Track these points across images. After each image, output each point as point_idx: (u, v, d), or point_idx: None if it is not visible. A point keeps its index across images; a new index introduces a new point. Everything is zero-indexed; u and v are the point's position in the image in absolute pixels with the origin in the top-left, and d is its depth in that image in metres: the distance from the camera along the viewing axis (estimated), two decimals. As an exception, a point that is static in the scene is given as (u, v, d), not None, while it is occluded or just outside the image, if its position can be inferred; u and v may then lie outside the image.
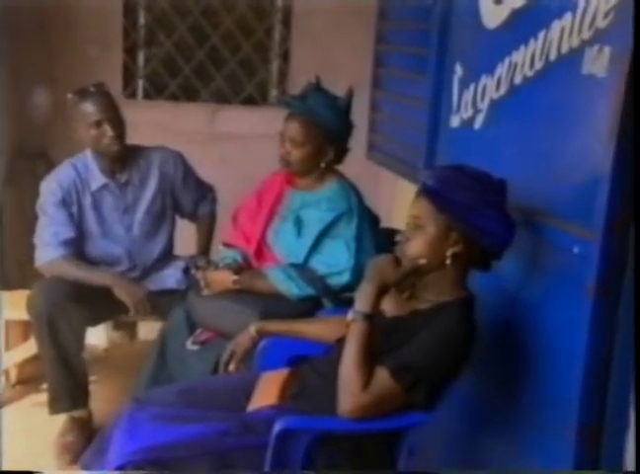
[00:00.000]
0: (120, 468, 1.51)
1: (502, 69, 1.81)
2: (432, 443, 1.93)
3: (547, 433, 1.60)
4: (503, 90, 1.82)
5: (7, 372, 2.83)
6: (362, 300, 1.60)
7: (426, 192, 1.59)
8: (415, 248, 1.59)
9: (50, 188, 2.52)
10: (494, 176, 1.62)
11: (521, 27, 1.73)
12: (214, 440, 1.56)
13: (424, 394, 1.54)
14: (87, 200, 2.54)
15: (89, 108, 2.43)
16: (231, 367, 1.86)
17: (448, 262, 1.58)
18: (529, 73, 1.69)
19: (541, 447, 1.61)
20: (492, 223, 1.57)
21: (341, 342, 1.67)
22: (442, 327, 1.55)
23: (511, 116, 1.80)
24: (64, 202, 2.50)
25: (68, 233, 2.49)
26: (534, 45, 1.65)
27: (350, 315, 1.60)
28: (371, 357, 1.56)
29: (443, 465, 1.97)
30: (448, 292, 1.61)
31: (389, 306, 1.70)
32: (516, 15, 1.76)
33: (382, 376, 1.53)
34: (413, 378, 1.52)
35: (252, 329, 1.90)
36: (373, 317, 1.59)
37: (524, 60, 1.70)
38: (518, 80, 1.74)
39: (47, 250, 2.49)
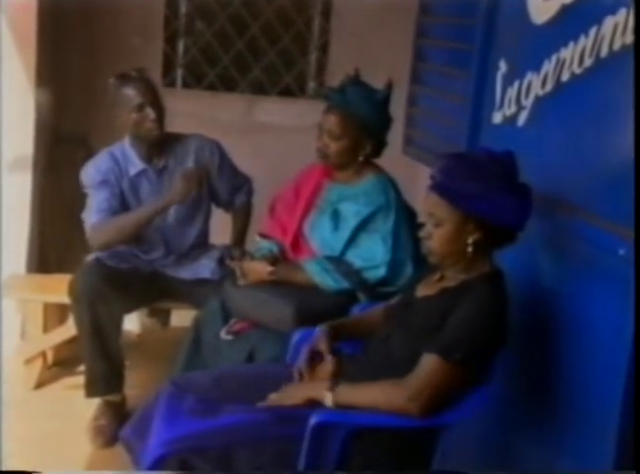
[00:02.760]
0: (160, 458, 1.53)
1: (549, 66, 1.79)
2: (465, 444, 1.91)
3: (585, 435, 1.57)
4: (549, 87, 1.80)
5: (44, 355, 2.88)
6: (313, 392, 1.65)
7: (435, 188, 1.63)
8: (437, 245, 1.65)
9: (89, 173, 2.55)
10: (497, 152, 1.64)
11: (571, 22, 1.70)
12: (252, 429, 1.57)
13: (475, 367, 1.58)
14: (126, 185, 2.56)
15: (131, 92, 2.46)
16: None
17: (470, 249, 1.63)
18: (578, 70, 1.66)
19: (579, 450, 1.59)
20: (504, 206, 1.61)
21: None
22: (473, 303, 1.60)
23: (556, 113, 1.78)
24: (105, 182, 2.52)
25: (111, 203, 2.49)
26: (584, 42, 1.62)
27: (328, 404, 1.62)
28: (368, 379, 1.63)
29: (477, 467, 1.95)
30: (475, 269, 1.67)
31: (421, 287, 1.78)
32: (566, 10, 1.73)
33: (432, 361, 1.56)
34: (461, 354, 1.55)
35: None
36: (334, 384, 1.64)
37: (573, 57, 1.67)
38: (565, 77, 1.71)
39: (91, 218, 2.49)
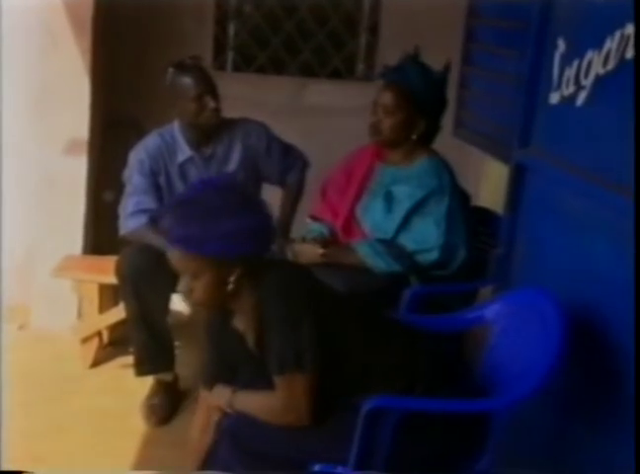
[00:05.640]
0: None
1: (611, 43, 1.72)
2: (520, 436, 1.88)
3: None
4: (611, 65, 1.74)
5: (100, 334, 2.94)
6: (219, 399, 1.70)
7: (172, 243, 1.55)
8: (200, 296, 1.59)
9: (139, 157, 2.57)
10: (215, 180, 1.70)
11: (637, -3, 1.63)
12: None
13: (312, 360, 1.55)
14: (174, 170, 2.59)
15: (189, 81, 2.46)
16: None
17: (231, 287, 1.59)
18: (644, 47, 1.60)
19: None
20: (243, 238, 1.55)
21: None
22: (264, 320, 1.58)
23: (619, 92, 1.72)
24: (152, 171, 2.55)
25: (151, 203, 2.53)
26: (652, 16, 1.56)
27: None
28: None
29: (532, 460, 1.92)
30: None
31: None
32: (631, -16, 1.67)
33: (277, 381, 1.58)
34: (294, 359, 1.54)
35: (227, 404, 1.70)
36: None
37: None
38: (629, 54, 1.65)
39: (130, 219, 2.54)
